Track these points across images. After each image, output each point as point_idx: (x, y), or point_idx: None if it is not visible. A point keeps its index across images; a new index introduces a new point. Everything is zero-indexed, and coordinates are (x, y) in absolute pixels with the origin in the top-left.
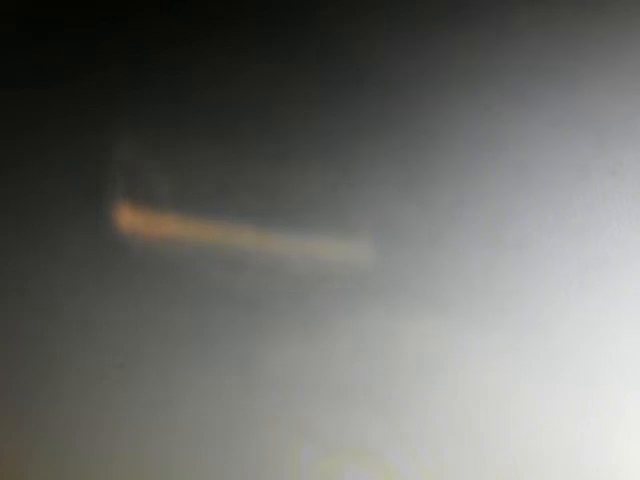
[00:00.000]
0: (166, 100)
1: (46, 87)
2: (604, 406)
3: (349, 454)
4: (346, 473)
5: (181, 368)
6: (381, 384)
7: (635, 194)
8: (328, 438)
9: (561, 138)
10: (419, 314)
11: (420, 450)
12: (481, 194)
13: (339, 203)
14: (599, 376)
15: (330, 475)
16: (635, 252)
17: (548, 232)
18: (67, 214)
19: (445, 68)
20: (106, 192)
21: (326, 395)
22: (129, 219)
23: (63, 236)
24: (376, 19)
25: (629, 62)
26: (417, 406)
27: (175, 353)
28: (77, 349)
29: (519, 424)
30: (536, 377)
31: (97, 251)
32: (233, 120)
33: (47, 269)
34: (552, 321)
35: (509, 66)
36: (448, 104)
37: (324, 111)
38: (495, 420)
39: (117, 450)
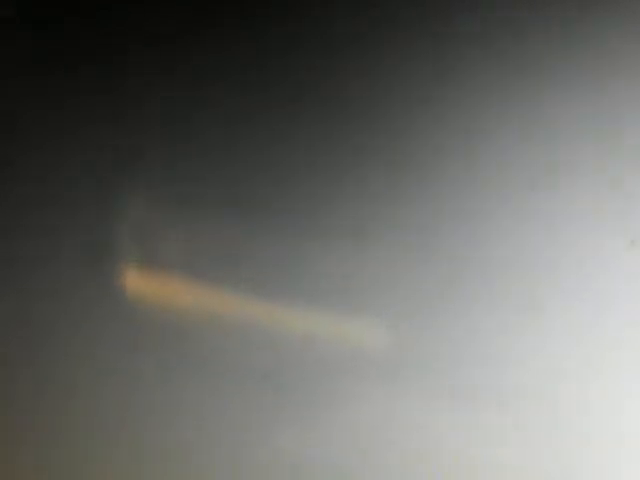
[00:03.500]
0: (182, 169)
1: (59, 148)
2: None
3: None
4: None
5: (184, 438)
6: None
7: None
8: None
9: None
10: (435, 399)
11: None
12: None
13: (354, 280)
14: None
15: None
16: None
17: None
18: (74, 278)
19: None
20: (115, 257)
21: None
22: (137, 285)
23: (68, 299)
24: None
25: None
26: None
27: (177, 422)
28: (78, 419)
29: None
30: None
31: (103, 316)
32: (248, 190)
33: (51, 331)
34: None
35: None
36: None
37: (339, 181)
38: None
39: None
